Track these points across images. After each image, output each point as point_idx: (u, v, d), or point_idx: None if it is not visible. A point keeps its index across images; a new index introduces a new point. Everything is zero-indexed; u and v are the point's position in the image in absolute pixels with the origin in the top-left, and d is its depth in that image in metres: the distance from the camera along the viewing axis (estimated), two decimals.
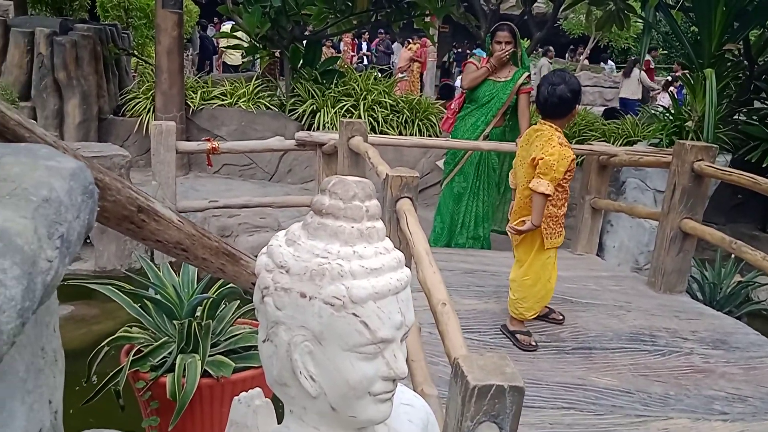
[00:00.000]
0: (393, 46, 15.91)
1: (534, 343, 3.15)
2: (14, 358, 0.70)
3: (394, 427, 1.07)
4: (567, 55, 20.67)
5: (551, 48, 15.40)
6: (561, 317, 3.42)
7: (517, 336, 3.17)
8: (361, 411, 0.90)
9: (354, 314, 0.85)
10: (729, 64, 5.56)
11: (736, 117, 6.02)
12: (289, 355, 0.87)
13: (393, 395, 0.94)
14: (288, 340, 0.87)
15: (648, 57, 10.77)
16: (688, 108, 5.55)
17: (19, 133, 0.92)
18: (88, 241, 4.93)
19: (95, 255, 4.72)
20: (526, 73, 4.67)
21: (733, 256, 4.55)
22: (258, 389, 1.46)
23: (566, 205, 3.11)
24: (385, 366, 0.89)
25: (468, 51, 15.88)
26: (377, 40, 16.12)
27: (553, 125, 3.01)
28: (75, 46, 7.00)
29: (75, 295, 4.37)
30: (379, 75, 8.36)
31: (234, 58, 11.36)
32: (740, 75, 5.96)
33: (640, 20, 6.05)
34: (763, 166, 5.27)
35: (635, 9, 6.43)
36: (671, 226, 3.93)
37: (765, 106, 5.91)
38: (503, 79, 4.62)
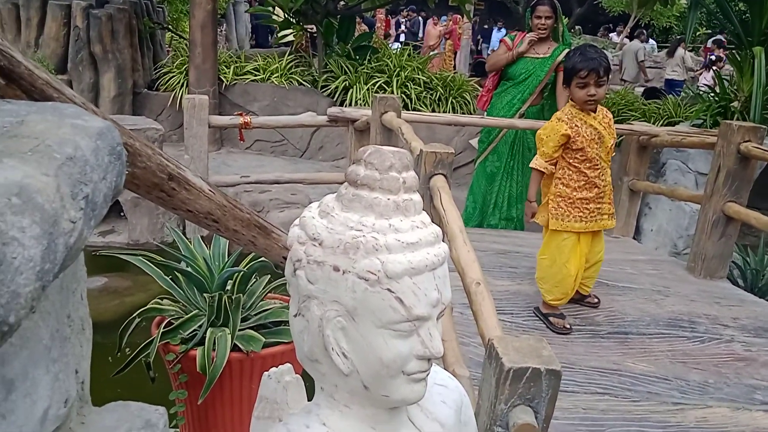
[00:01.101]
0: (421, 21, 15.69)
1: (568, 326, 3.04)
2: (38, 324, 0.67)
3: (428, 407, 1.04)
4: (599, 33, 20.13)
5: (644, 30, 14.90)
6: (596, 300, 3.30)
7: (550, 318, 3.08)
8: (395, 390, 0.86)
9: (389, 290, 0.81)
10: None
11: None
12: (321, 331, 0.84)
13: (428, 375, 0.90)
14: (320, 315, 0.84)
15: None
16: (734, 88, 5.34)
17: (47, 93, 0.88)
18: (122, 214, 4.98)
19: (128, 228, 4.77)
20: (567, 50, 4.52)
21: None
22: (288, 365, 1.43)
23: (589, 188, 2.90)
24: (420, 344, 0.85)
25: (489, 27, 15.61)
26: (405, 17, 15.90)
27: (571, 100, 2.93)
28: (111, 20, 7.03)
29: (108, 267, 4.43)
30: (413, 51, 8.23)
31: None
32: None
33: None
34: None
35: None
36: (714, 209, 3.79)
37: None
38: (542, 56, 4.48)
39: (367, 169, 0.87)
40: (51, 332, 0.70)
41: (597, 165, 2.87)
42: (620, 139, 5.01)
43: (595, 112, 2.87)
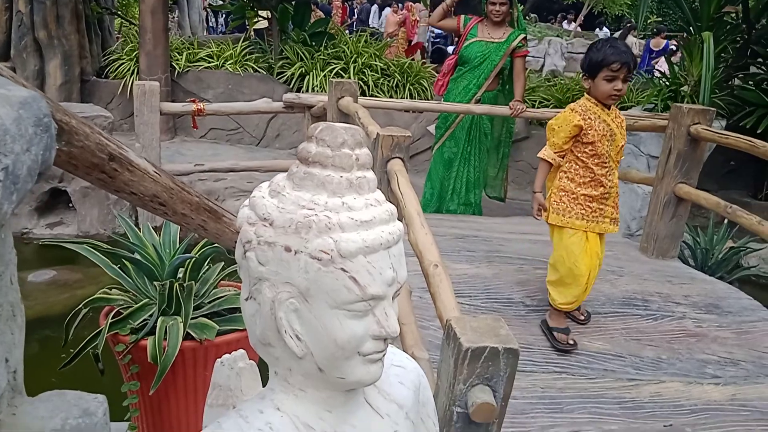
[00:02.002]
0: (374, 9, 15.57)
1: (572, 342, 2.86)
2: None
3: (385, 389, 1.02)
4: (555, 21, 20.39)
5: (632, 22, 15.02)
6: (583, 317, 3.10)
7: (555, 334, 2.89)
8: (350, 372, 0.84)
9: (342, 269, 0.78)
10: (727, 27, 5.45)
11: (731, 82, 5.93)
12: (273, 314, 0.81)
13: (384, 355, 0.88)
14: (272, 297, 0.81)
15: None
16: (684, 72, 5.46)
17: None
18: (71, 205, 4.82)
19: (78, 219, 4.62)
20: (522, 35, 4.55)
21: (725, 221, 4.52)
22: (242, 351, 1.39)
23: (594, 186, 2.74)
24: (375, 324, 0.83)
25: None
26: (358, 4, 15.78)
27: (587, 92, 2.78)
28: (56, 4, 6.77)
29: (57, 260, 4.28)
30: (370, 38, 8.17)
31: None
32: (738, 39, 5.85)
33: None
34: (758, 131, 5.20)
35: None
36: (665, 190, 3.87)
37: (761, 71, 5.83)
38: (497, 40, 4.50)
39: (319, 146, 0.84)
40: None
41: (605, 163, 2.73)
42: None
43: (608, 108, 2.72)
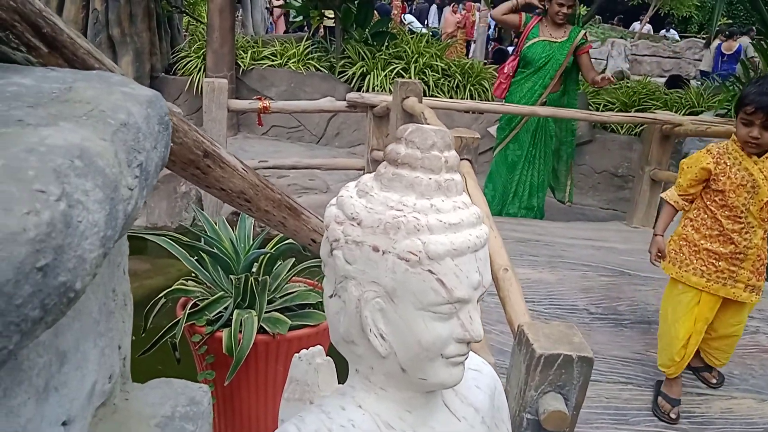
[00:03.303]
0: (433, 9, 15.51)
1: (674, 416, 2.49)
2: (89, 297, 0.66)
3: (462, 392, 1.02)
4: (613, 22, 19.84)
5: (753, 27, 14.56)
6: (715, 381, 2.73)
7: (659, 399, 2.56)
8: (433, 374, 0.85)
9: (430, 271, 0.79)
10: None
11: None
12: (358, 312, 0.83)
13: (466, 359, 0.88)
14: (358, 296, 0.82)
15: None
16: (759, 75, 5.24)
17: (89, 63, 0.86)
18: None
19: (146, 211, 4.78)
20: (583, 32, 4.47)
21: None
22: (319, 347, 1.41)
23: (722, 242, 2.36)
24: (460, 327, 0.83)
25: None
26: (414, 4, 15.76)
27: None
28: (129, 3, 7.02)
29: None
30: (431, 38, 8.15)
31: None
32: None
33: None
34: None
35: None
36: None
37: None
38: (560, 40, 4.43)
39: (408, 147, 0.85)
40: (99, 305, 0.69)
41: (739, 218, 2.33)
42: (642, 128, 4.94)
43: (759, 156, 2.30)
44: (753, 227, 2.34)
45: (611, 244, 4.20)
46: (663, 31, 17.67)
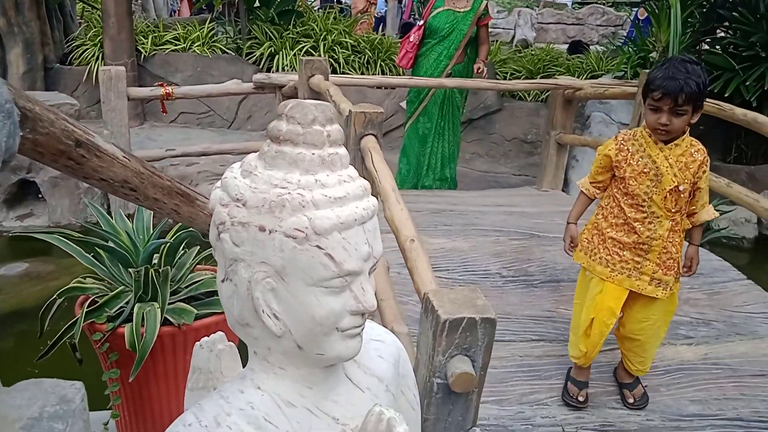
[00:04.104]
0: None
1: (581, 399, 2.44)
2: None
3: (365, 363, 1.03)
4: None
5: None
6: (631, 401, 2.50)
7: (567, 384, 2.52)
8: (329, 348, 0.86)
9: (318, 246, 0.79)
10: None
11: (699, 47, 6.00)
12: (250, 294, 0.82)
13: (362, 330, 0.90)
14: (248, 277, 0.82)
15: None
16: (653, 39, 5.51)
17: None
18: (40, 196, 4.74)
19: (48, 210, 4.56)
20: (485, 2, 4.55)
21: None
22: (220, 333, 1.39)
23: (626, 232, 2.27)
24: (353, 300, 0.85)
25: None
26: None
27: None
28: None
29: (30, 252, 4.23)
30: (339, 14, 8.08)
31: None
32: (704, 3, 5.90)
33: None
34: (726, 95, 5.27)
35: None
36: None
37: (728, 36, 5.90)
38: (463, 9, 4.51)
39: (290, 123, 0.84)
40: None
41: (642, 207, 2.22)
42: (547, 94, 5.11)
43: (666, 143, 2.17)
44: (657, 217, 2.22)
45: (522, 208, 4.34)
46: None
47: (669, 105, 2.06)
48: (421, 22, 4.62)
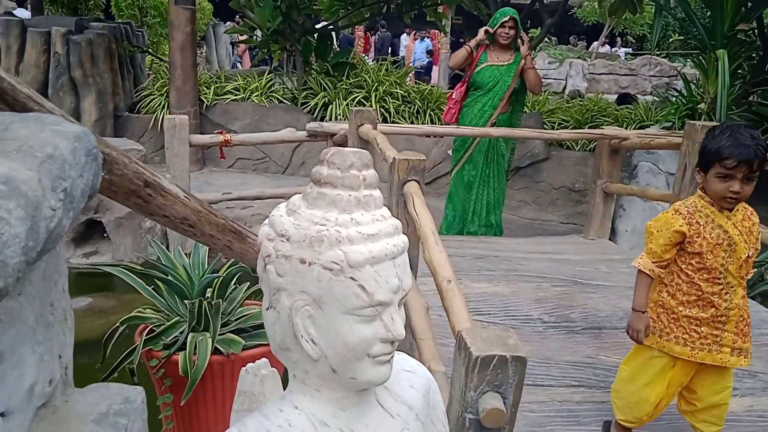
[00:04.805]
0: (402, 38, 15.89)
1: None
2: (23, 307, 0.76)
3: (396, 391, 1.09)
4: (571, 41, 20.42)
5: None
6: None
7: None
8: (361, 372, 0.93)
9: (352, 278, 0.88)
10: (742, 44, 5.50)
11: (750, 99, 5.96)
12: (290, 320, 0.91)
13: (392, 357, 0.97)
14: (289, 305, 0.91)
15: None
16: (701, 90, 5.52)
17: (29, 106, 0.97)
18: (105, 235, 5.04)
19: (112, 248, 4.83)
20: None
21: None
22: (265, 359, 1.50)
23: (702, 306, 2.17)
24: (383, 328, 0.92)
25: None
26: (376, 35, 16.10)
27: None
28: (90, 45, 7.11)
29: (93, 287, 4.48)
30: (390, 66, 8.38)
31: None
32: (753, 56, 5.89)
33: (653, 3, 6.00)
34: None
35: None
36: None
37: None
38: (506, 63, 4.68)
39: (330, 168, 0.94)
40: (35, 315, 0.79)
41: (718, 279, 2.14)
42: (595, 144, 5.16)
43: (730, 210, 2.13)
44: (732, 287, 2.16)
45: (567, 256, 4.36)
46: (613, 49, 18.24)
47: (744, 172, 2.03)
48: (465, 79, 4.81)
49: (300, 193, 0.99)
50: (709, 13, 5.86)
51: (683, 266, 2.19)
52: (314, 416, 0.97)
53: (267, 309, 0.98)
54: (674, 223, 2.16)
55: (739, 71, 5.76)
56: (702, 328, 2.19)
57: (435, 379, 2.12)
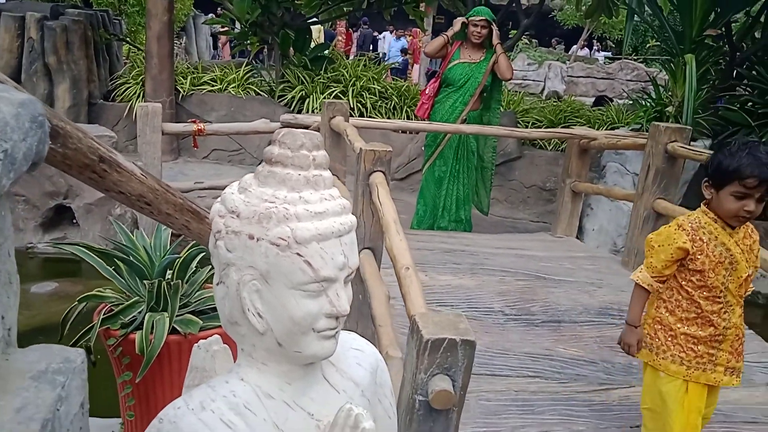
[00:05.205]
0: (384, 35, 15.92)
1: None
2: None
3: (343, 368, 1.12)
4: (552, 45, 20.66)
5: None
6: None
7: None
8: (306, 346, 0.96)
9: (298, 254, 0.92)
10: (710, 50, 5.64)
11: (718, 103, 6.11)
12: (238, 294, 0.94)
13: (337, 333, 1.00)
14: (237, 280, 0.94)
15: None
16: (669, 93, 5.64)
17: None
18: (75, 221, 5.02)
19: (81, 235, 4.81)
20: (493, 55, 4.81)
21: None
22: (216, 336, 1.53)
23: (701, 325, 2.14)
24: (328, 304, 0.96)
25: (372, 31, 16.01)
26: (359, 31, 16.12)
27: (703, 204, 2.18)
28: (65, 31, 7.04)
29: (60, 273, 4.47)
30: (369, 62, 8.42)
31: None
32: (721, 61, 6.04)
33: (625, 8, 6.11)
34: None
35: None
36: (645, 206, 4.02)
37: (746, 93, 6.00)
38: (477, 61, 4.76)
39: (281, 148, 0.98)
40: None
41: (718, 298, 2.12)
42: (564, 144, 5.25)
43: (733, 227, 2.10)
44: (731, 306, 2.14)
45: (533, 252, 4.44)
46: (592, 52, 18.47)
47: (762, 192, 1.99)
48: (436, 75, 4.89)
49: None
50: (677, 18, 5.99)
51: (683, 283, 2.16)
52: (259, 388, 1.00)
53: (217, 284, 1.01)
54: (677, 238, 2.11)
55: (708, 76, 5.89)
56: (699, 347, 2.16)
57: (392, 365, 2.19)
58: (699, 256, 2.10)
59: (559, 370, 2.92)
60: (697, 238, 2.10)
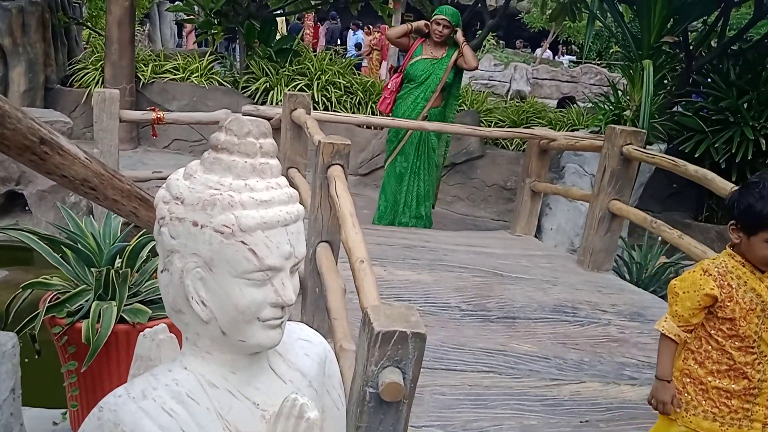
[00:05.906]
0: (357, 33, 15.87)
1: None
2: None
3: (290, 358, 1.11)
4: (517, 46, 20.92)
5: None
6: None
7: None
8: (250, 335, 0.95)
9: (242, 242, 0.90)
10: (667, 56, 5.78)
11: (674, 109, 6.26)
12: (182, 282, 0.93)
13: (282, 323, 0.99)
14: (181, 267, 0.93)
15: None
16: (627, 98, 5.76)
17: None
18: (27, 208, 4.88)
19: (33, 222, 4.68)
20: (456, 52, 4.85)
21: (659, 238, 4.76)
22: (163, 325, 1.51)
23: (733, 377, 1.98)
24: (273, 293, 0.95)
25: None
26: (327, 26, 16.03)
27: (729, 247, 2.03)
28: (22, 12, 6.84)
29: (11, 261, 4.33)
30: (335, 55, 8.39)
31: None
32: (678, 68, 6.19)
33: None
34: (695, 156, 5.50)
35: (587, 1, 6.58)
36: (600, 206, 4.09)
37: (700, 100, 6.17)
38: (439, 57, 4.80)
39: (227, 135, 0.97)
40: None
41: (751, 348, 1.96)
42: (525, 145, 5.31)
43: (763, 272, 1.95)
44: (766, 356, 1.98)
45: (491, 249, 4.49)
46: (556, 57, 18.76)
47: None
48: (399, 69, 4.90)
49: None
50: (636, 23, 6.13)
51: (712, 332, 1.99)
52: (203, 377, 0.98)
53: (161, 272, 0.99)
54: (704, 285, 1.95)
55: (665, 81, 6.04)
56: (732, 401, 1.99)
57: (346, 358, 2.17)
58: (728, 304, 1.95)
59: (513, 366, 2.95)
60: (725, 283, 1.95)
